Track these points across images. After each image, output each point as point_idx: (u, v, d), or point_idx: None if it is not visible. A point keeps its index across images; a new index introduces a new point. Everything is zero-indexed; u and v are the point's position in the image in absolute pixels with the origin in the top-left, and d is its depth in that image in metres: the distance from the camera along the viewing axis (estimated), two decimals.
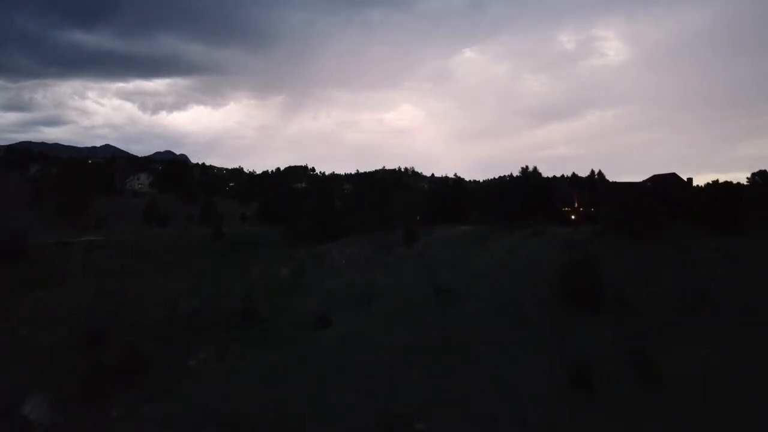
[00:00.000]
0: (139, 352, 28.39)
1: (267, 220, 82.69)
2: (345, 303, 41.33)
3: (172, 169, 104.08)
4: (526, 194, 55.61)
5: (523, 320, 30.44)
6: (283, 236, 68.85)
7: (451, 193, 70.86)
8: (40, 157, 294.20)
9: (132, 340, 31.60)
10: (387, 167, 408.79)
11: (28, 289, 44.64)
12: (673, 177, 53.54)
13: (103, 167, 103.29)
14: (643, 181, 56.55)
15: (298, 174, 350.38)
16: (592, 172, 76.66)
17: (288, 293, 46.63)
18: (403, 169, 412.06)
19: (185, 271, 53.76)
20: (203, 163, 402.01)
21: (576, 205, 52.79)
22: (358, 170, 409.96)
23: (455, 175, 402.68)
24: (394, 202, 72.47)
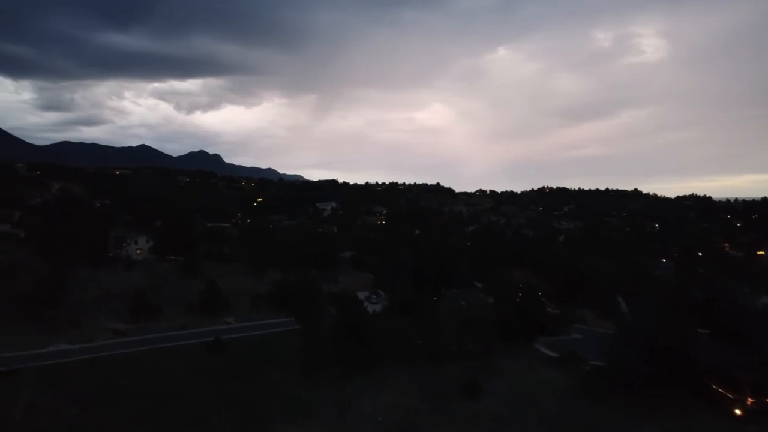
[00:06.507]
0: None
1: (283, 306, 67.18)
2: None
3: (173, 231, 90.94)
4: (650, 350, 37.70)
5: None
6: (299, 355, 52.82)
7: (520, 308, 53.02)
8: (65, 171, 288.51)
9: None
10: (418, 182, 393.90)
11: None
12: None
13: (96, 226, 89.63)
14: None
15: (326, 188, 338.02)
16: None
17: None
18: (435, 184, 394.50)
19: None
20: (231, 175, 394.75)
21: (748, 399, 34.46)
22: (388, 182, 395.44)
23: (490, 191, 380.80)
24: (447, 319, 55.39)
